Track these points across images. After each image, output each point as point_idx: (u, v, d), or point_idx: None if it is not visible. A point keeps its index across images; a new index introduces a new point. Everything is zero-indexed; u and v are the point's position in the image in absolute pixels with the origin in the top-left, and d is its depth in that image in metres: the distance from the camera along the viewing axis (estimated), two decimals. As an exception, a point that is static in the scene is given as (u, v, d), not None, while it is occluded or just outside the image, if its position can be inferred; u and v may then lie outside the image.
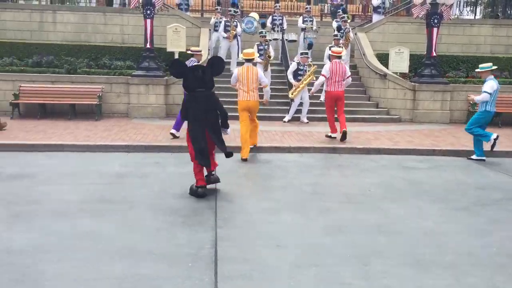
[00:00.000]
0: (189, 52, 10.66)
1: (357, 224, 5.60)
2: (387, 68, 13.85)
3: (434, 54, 13.31)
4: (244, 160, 8.61)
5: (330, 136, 10.39)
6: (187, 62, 8.98)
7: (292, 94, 12.07)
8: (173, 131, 9.89)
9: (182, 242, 4.91)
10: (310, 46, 13.02)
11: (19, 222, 5.37)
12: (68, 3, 17.54)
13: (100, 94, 12.26)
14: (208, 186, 6.64)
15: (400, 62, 13.85)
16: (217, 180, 6.81)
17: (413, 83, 13.39)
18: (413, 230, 5.45)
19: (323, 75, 10.22)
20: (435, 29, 13.10)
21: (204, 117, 6.53)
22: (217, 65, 6.66)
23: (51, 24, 15.15)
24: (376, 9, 16.85)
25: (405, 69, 13.93)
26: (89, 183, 7.01)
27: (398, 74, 13.79)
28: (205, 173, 6.69)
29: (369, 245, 4.94)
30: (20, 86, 12.07)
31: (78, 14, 15.36)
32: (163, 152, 9.19)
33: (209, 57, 9.45)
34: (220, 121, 6.79)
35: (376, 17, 16.68)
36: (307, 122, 12.38)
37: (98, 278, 4.08)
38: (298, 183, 7.33)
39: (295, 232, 5.31)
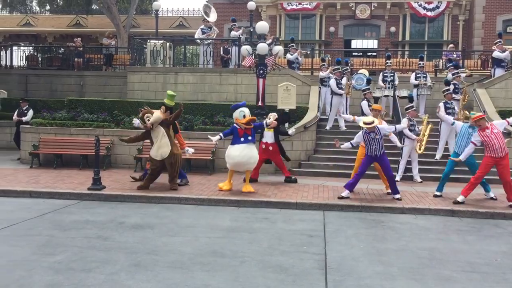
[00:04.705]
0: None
1: (484, 297, 5.07)
2: None
3: None
4: None
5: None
6: None
7: (420, 150, 11.59)
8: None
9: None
10: (410, 99, 12.57)
11: (140, 272, 5.66)
12: (188, 65, 18.98)
13: (214, 150, 12.86)
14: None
15: (527, 119, 12.75)
16: None
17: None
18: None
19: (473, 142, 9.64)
20: None
21: None
22: None
23: (173, 85, 16.47)
24: (499, 63, 15.81)
25: (533, 127, 12.78)
26: (202, 236, 7.24)
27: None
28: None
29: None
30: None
31: (197, 75, 16.57)
32: (271, 208, 9.27)
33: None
34: None
35: (499, 71, 15.60)
36: (421, 182, 11.78)
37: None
38: (414, 247, 6.90)
39: (413, 301, 4.95)
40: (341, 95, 14.34)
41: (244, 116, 10.11)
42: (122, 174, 12.10)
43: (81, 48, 20.37)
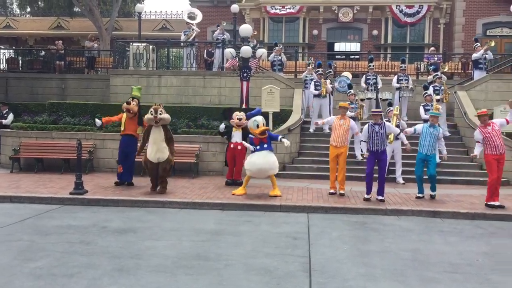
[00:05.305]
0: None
1: (466, 297, 5.13)
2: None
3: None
4: None
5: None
6: None
7: (389, 140, 11.64)
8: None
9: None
10: (389, 104, 12.74)
11: (123, 276, 5.60)
12: (171, 68, 18.90)
13: (198, 153, 12.81)
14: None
15: (505, 121, 12.99)
16: None
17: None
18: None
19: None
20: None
21: None
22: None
23: (156, 88, 16.40)
24: (477, 65, 16.15)
25: (512, 129, 13.01)
26: (186, 239, 7.20)
27: (504, 134, 12.89)
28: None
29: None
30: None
31: (180, 78, 16.50)
32: (256, 211, 9.26)
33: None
34: None
35: (478, 73, 15.94)
36: (403, 183, 11.90)
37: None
38: (397, 249, 6.96)
39: (396, 302, 4.98)
40: (319, 96, 14.36)
41: (258, 126, 10.15)
42: (105, 178, 11.98)
43: (63, 51, 20.14)
